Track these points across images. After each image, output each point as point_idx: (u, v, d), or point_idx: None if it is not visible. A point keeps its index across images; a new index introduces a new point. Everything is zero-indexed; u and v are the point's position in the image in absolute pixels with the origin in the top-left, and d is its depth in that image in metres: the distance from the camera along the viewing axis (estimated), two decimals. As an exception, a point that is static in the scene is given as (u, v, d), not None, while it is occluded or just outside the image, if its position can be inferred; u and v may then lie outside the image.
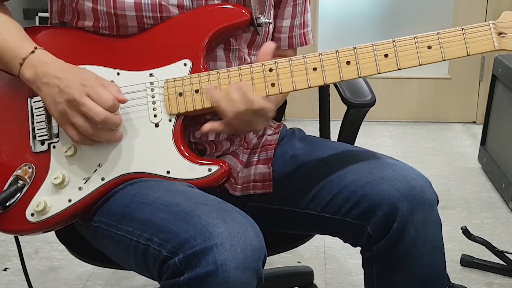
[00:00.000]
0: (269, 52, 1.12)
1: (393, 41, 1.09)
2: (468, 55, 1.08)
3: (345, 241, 1.24)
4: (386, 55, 1.09)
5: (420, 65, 1.09)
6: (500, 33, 1.08)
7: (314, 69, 1.10)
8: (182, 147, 1.13)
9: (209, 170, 1.11)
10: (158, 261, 1.00)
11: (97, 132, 1.09)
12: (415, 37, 1.08)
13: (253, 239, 0.99)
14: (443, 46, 1.08)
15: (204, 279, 0.95)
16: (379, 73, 1.10)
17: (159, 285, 1.03)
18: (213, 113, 1.15)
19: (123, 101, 1.11)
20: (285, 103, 1.46)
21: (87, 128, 1.08)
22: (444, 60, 1.09)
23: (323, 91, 1.51)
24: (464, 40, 1.07)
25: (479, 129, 3.07)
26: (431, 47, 1.08)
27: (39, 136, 1.15)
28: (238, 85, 1.10)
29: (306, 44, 1.37)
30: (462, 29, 1.08)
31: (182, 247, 0.97)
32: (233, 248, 0.96)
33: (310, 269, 1.89)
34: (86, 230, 1.19)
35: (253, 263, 0.98)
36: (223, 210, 1.02)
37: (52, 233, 1.33)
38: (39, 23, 2.93)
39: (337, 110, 1.51)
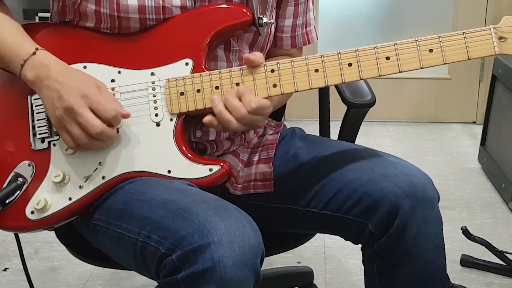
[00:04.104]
0: (259, 61, 1.11)
1: (395, 44, 1.09)
2: (469, 59, 1.09)
3: (346, 239, 1.24)
4: (387, 58, 1.09)
5: (421, 68, 1.10)
6: (500, 38, 1.08)
7: (316, 70, 1.11)
8: (184, 147, 1.12)
9: (210, 170, 1.11)
10: (156, 259, 1.00)
11: (92, 142, 1.09)
12: (416, 40, 1.09)
13: (251, 237, 0.99)
14: (444, 49, 1.08)
15: (201, 276, 0.95)
16: (380, 75, 1.10)
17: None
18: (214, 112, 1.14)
19: (127, 116, 1.11)
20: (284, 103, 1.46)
21: (81, 137, 1.08)
22: (445, 63, 1.09)
23: (323, 91, 1.51)
24: (465, 44, 1.08)
25: (479, 129, 3.07)
26: (432, 51, 1.09)
27: (39, 134, 1.15)
28: (233, 91, 1.10)
29: (309, 43, 1.37)
30: (463, 33, 1.09)
31: (179, 244, 0.97)
32: (231, 245, 0.96)
33: (310, 269, 1.89)
34: (86, 229, 1.19)
35: (250, 261, 0.98)
36: (221, 208, 1.02)
37: (52, 233, 1.33)
38: (39, 23, 2.93)
39: (337, 110, 1.51)
